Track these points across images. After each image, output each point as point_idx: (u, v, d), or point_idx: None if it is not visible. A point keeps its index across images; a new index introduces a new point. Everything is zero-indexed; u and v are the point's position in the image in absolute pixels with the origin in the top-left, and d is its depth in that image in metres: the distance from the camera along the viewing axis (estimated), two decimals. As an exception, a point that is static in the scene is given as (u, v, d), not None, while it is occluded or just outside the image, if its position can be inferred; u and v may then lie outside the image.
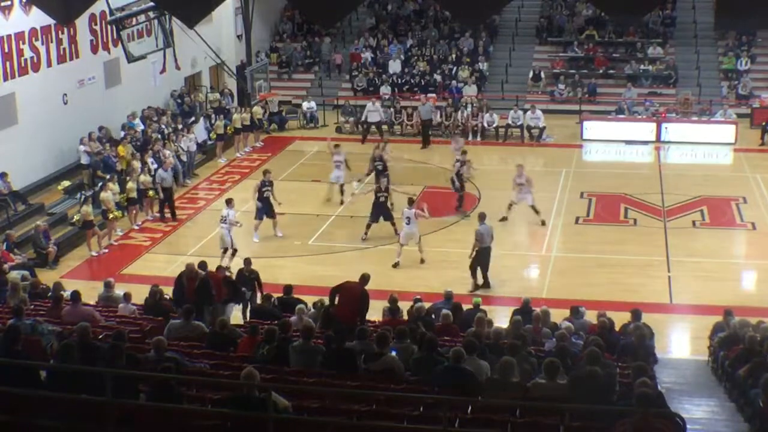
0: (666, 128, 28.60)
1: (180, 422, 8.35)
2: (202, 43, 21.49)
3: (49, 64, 22.89)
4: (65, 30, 23.00)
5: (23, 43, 21.89)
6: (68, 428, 8.22)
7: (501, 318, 14.83)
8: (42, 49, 22.57)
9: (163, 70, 26.40)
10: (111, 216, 20.72)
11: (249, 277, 15.87)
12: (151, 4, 19.87)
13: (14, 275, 16.49)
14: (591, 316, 14.00)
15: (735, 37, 33.30)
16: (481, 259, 17.73)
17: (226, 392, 8.75)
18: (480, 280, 17.82)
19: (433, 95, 31.07)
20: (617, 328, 13.55)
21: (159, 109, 27.22)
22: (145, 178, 22.21)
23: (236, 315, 15.39)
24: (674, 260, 19.36)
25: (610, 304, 15.84)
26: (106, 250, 20.53)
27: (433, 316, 13.71)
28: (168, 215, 22.44)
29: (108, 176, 21.84)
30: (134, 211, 21.92)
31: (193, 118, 27.86)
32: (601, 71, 33.30)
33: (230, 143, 28.26)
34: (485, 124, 29.30)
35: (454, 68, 33.47)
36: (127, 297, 14.51)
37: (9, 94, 21.60)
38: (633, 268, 19.04)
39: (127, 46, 21.30)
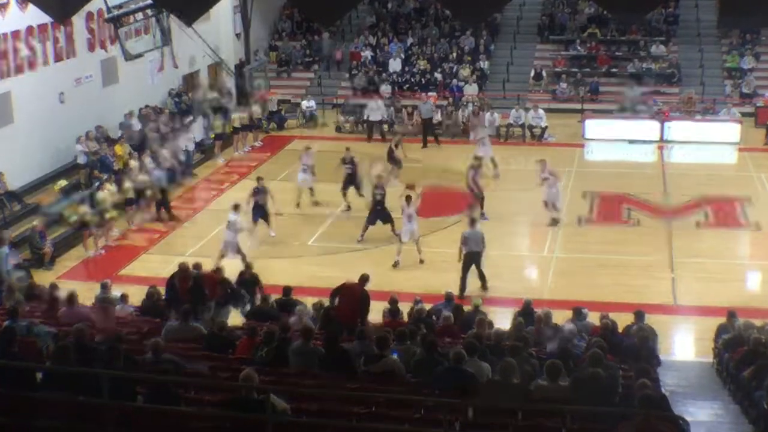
0: (669, 127, 28.48)
1: (178, 424, 8.28)
2: (201, 41, 21.45)
3: (45, 63, 22.80)
4: (62, 28, 22.89)
5: (19, 41, 21.79)
6: (65, 430, 8.15)
7: (502, 319, 14.71)
8: (38, 48, 22.47)
9: (161, 69, 26.35)
10: (108, 216, 20.58)
11: (249, 281, 15.71)
12: (149, 1, 19.81)
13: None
14: (593, 318, 13.89)
15: (739, 35, 33.20)
16: (464, 262, 17.55)
17: (225, 394, 8.68)
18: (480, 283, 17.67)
19: (434, 94, 30.95)
20: (620, 330, 13.44)
21: (157, 108, 27.09)
22: (142, 178, 22.06)
23: (235, 315, 15.26)
24: (678, 261, 19.23)
25: (613, 306, 15.73)
26: (103, 251, 20.41)
27: (433, 318, 13.61)
28: (166, 215, 22.29)
29: (105, 176, 21.72)
30: (131, 212, 21.78)
31: (191, 117, 27.73)
32: (603, 70, 33.20)
33: (229, 142, 28.16)
34: (486, 124, 29.14)
35: (455, 67, 33.37)
36: (124, 298, 14.39)
37: (5, 93, 21.50)
38: (636, 269, 18.91)
39: (124, 44, 21.23)
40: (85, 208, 20.17)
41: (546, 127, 28.92)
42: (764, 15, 11.45)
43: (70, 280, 18.31)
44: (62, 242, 20.38)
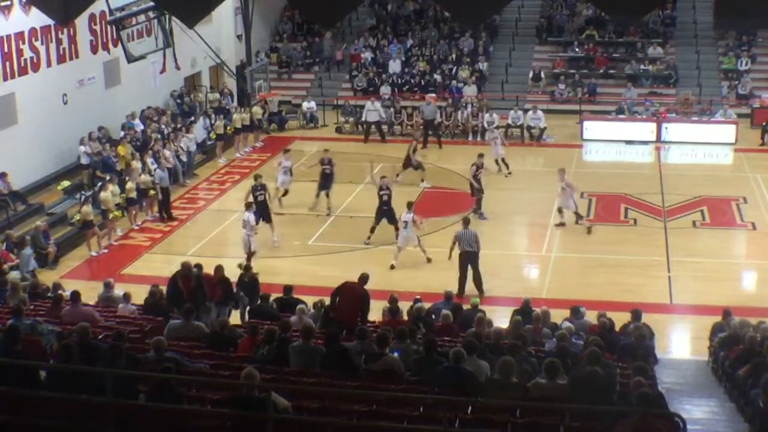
0: (666, 128, 28.60)
1: (180, 422, 8.33)
2: (202, 43, 21.55)
3: (48, 64, 22.89)
4: (65, 30, 22.98)
5: (23, 43, 21.89)
6: (68, 428, 8.21)
7: (501, 318, 14.80)
8: (42, 49, 22.57)
9: (163, 70, 26.45)
10: (111, 216, 20.72)
11: (248, 283, 15.75)
12: (151, 3, 19.92)
13: (14, 275, 16.48)
14: (591, 317, 13.98)
15: (735, 36, 33.31)
16: (460, 262, 17.61)
17: (226, 392, 8.73)
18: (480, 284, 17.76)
19: (433, 95, 31.06)
20: (617, 329, 13.55)
21: (159, 109, 27.21)
22: (145, 178, 22.21)
23: (234, 315, 15.38)
24: (674, 260, 19.35)
25: (610, 305, 15.82)
26: (106, 250, 20.53)
27: (433, 317, 13.71)
28: (165, 215, 22.41)
29: (108, 177, 21.84)
30: (134, 212, 21.91)
31: (192, 118, 27.86)
32: (601, 71, 33.30)
33: (230, 143, 28.25)
34: (485, 124, 29.27)
35: (454, 68, 33.47)
36: (126, 297, 14.50)
37: (9, 94, 21.60)
38: (633, 269, 19.02)
39: (126, 46, 21.35)
40: (88, 208, 20.31)
41: (545, 128, 29.01)
42: (760, 17, 11.55)
43: (73, 279, 18.41)
44: (66, 242, 20.50)
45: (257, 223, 19.33)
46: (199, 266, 14.99)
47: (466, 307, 14.43)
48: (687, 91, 30.67)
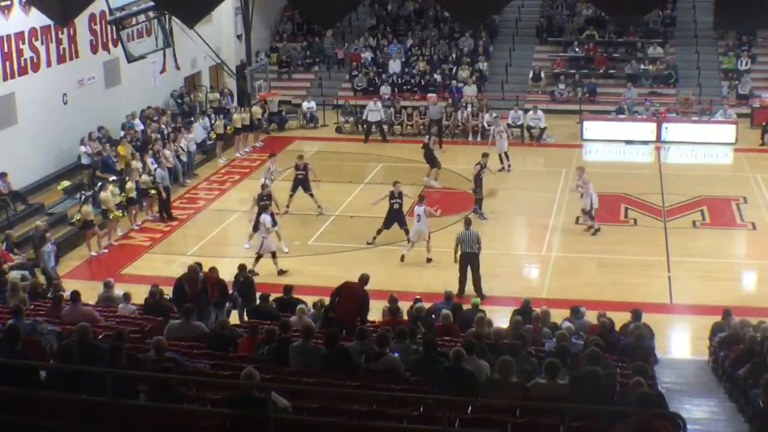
0: (666, 128, 28.61)
1: (180, 422, 8.34)
2: (202, 43, 21.55)
3: (48, 64, 22.89)
4: (65, 30, 22.99)
5: (23, 43, 21.90)
6: (68, 428, 8.22)
7: (501, 318, 14.80)
8: (42, 49, 22.57)
9: (163, 70, 26.47)
10: (111, 216, 20.72)
11: (243, 284, 15.72)
12: (151, 3, 19.92)
13: (14, 275, 16.48)
14: (591, 317, 13.98)
15: (735, 36, 33.30)
16: (461, 263, 17.58)
17: (226, 392, 8.73)
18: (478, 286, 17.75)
19: (433, 95, 31.07)
20: (617, 329, 13.55)
21: (159, 109, 27.22)
22: (145, 178, 22.21)
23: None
24: (674, 260, 19.35)
25: (610, 304, 15.82)
26: (106, 250, 20.54)
27: (433, 317, 13.71)
28: (165, 215, 22.42)
29: (112, 178, 21.86)
30: (134, 211, 21.91)
31: (192, 118, 27.86)
32: (601, 71, 33.30)
33: (230, 143, 28.25)
34: (485, 124, 29.28)
35: (454, 68, 33.47)
36: (126, 297, 14.50)
37: (9, 94, 21.60)
38: (633, 268, 19.03)
39: (126, 45, 21.34)
40: (88, 208, 20.31)
41: (545, 128, 29.02)
42: (760, 17, 11.56)
43: (73, 279, 18.41)
44: (66, 242, 20.50)
45: (274, 225, 19.30)
46: (198, 265, 14.97)
47: (466, 307, 14.42)
48: (687, 91, 30.66)
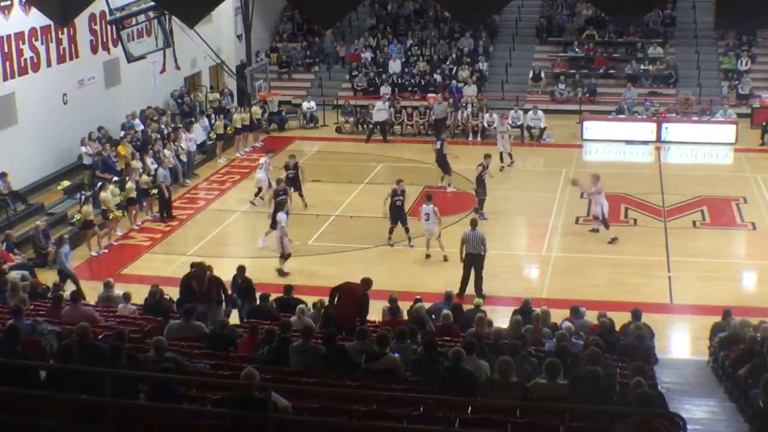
0: (666, 128, 28.62)
1: (180, 422, 8.34)
2: (202, 43, 21.52)
3: (48, 64, 22.89)
4: (65, 30, 23.00)
5: (23, 43, 21.91)
6: (68, 428, 8.22)
7: (501, 318, 14.81)
8: (42, 49, 22.57)
9: (163, 70, 26.47)
10: (111, 216, 20.72)
11: (242, 285, 15.68)
12: (151, 3, 19.90)
13: (14, 275, 16.47)
14: (591, 317, 13.98)
15: (735, 36, 33.31)
16: (465, 263, 17.56)
17: (226, 392, 8.74)
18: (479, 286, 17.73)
19: (433, 95, 31.08)
20: (617, 329, 13.54)
21: (159, 109, 27.22)
22: (145, 178, 22.21)
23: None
24: (674, 260, 19.35)
25: (611, 304, 15.81)
26: (106, 250, 20.54)
27: (433, 317, 13.71)
28: (165, 215, 22.42)
29: (114, 178, 21.86)
30: (134, 211, 21.92)
31: (192, 118, 27.86)
32: (601, 71, 33.32)
33: (230, 143, 28.26)
34: (485, 124, 29.29)
35: (454, 68, 33.49)
36: (126, 297, 14.50)
37: (9, 94, 21.61)
38: (633, 268, 19.03)
39: (126, 46, 21.31)
40: (88, 208, 20.31)
41: (545, 128, 29.03)
42: (761, 17, 11.56)
43: (73, 279, 18.42)
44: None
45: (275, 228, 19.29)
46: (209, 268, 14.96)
47: (466, 307, 14.42)
48: (687, 91, 30.66)
